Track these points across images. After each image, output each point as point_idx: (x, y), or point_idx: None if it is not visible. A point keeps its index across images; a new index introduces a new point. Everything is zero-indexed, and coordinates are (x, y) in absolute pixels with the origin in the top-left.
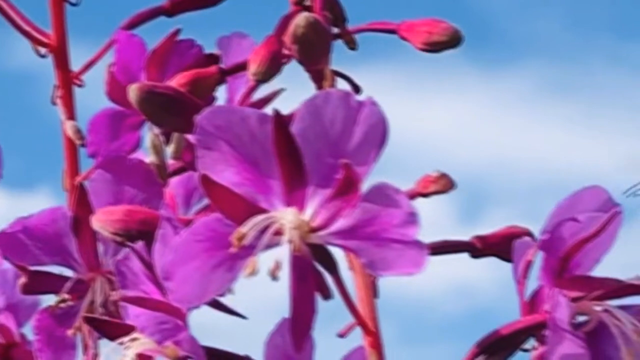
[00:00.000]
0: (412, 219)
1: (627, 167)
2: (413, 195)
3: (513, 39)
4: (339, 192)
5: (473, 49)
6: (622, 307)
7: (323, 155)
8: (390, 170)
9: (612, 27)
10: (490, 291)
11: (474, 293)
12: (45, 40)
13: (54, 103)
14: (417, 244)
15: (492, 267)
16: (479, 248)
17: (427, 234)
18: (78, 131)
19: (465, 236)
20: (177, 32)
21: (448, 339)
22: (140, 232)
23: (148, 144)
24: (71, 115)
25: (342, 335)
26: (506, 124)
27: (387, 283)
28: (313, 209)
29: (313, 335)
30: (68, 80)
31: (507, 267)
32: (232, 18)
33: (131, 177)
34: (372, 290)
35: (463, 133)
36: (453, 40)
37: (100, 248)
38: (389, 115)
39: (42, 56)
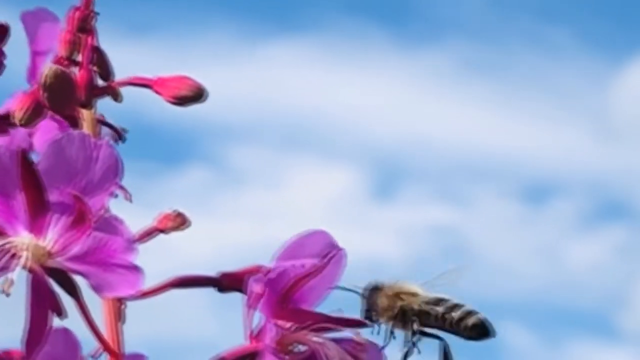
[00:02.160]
0: (131, 246)
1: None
2: (153, 231)
3: (434, 17)
4: (75, 222)
5: (395, 25)
6: (337, 339)
7: (64, 190)
8: (310, 143)
9: (533, 9)
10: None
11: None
12: None
13: None
14: (135, 268)
15: (401, 243)
16: (224, 284)
17: (344, 208)
18: None
19: (379, 211)
20: None
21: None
22: None
23: None
24: None
25: (93, 356)
26: (425, 102)
27: None
28: (52, 236)
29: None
30: None
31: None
32: None
33: None
34: (118, 315)
35: (382, 109)
36: (197, 96)
37: None
38: (312, 90)
39: None
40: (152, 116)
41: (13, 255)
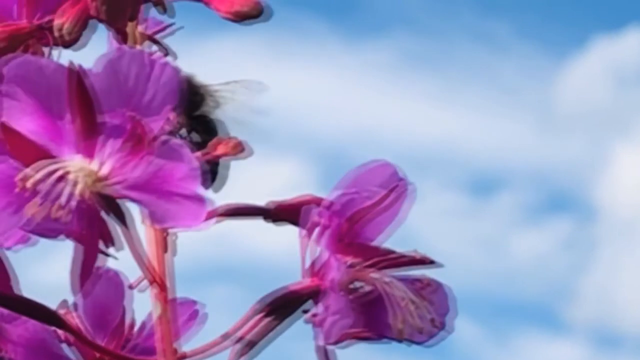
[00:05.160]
0: (194, 173)
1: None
2: (210, 159)
3: (378, 10)
4: (130, 145)
5: (338, 17)
6: (400, 278)
7: (118, 110)
8: (253, 136)
9: (475, 3)
10: None
11: None
12: None
13: None
14: (198, 198)
15: None
16: (273, 213)
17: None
18: None
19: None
20: None
21: None
22: None
23: None
24: None
25: (132, 287)
26: (368, 94)
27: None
28: (103, 159)
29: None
30: None
31: None
32: None
33: None
34: (164, 245)
35: (325, 100)
36: (255, 12)
37: None
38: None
39: None
40: None
41: (65, 180)
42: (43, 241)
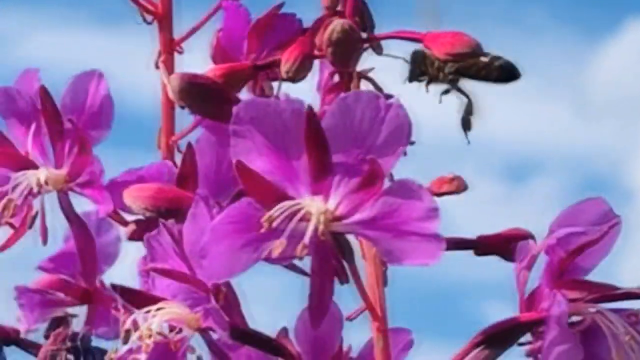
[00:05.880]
0: (433, 213)
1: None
2: None
3: None
4: (363, 185)
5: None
6: (615, 310)
7: (350, 150)
8: None
9: None
10: None
11: None
12: (151, 8)
13: (156, 67)
14: (435, 237)
15: None
16: (482, 247)
17: None
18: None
19: None
20: (281, 5)
21: None
22: (168, 210)
23: None
24: None
25: (350, 319)
26: (400, 82)
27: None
28: (337, 199)
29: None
30: (171, 47)
31: None
32: None
33: None
34: (382, 279)
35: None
36: (473, 53)
37: None
38: None
39: (149, 23)
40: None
41: (304, 219)
42: None
